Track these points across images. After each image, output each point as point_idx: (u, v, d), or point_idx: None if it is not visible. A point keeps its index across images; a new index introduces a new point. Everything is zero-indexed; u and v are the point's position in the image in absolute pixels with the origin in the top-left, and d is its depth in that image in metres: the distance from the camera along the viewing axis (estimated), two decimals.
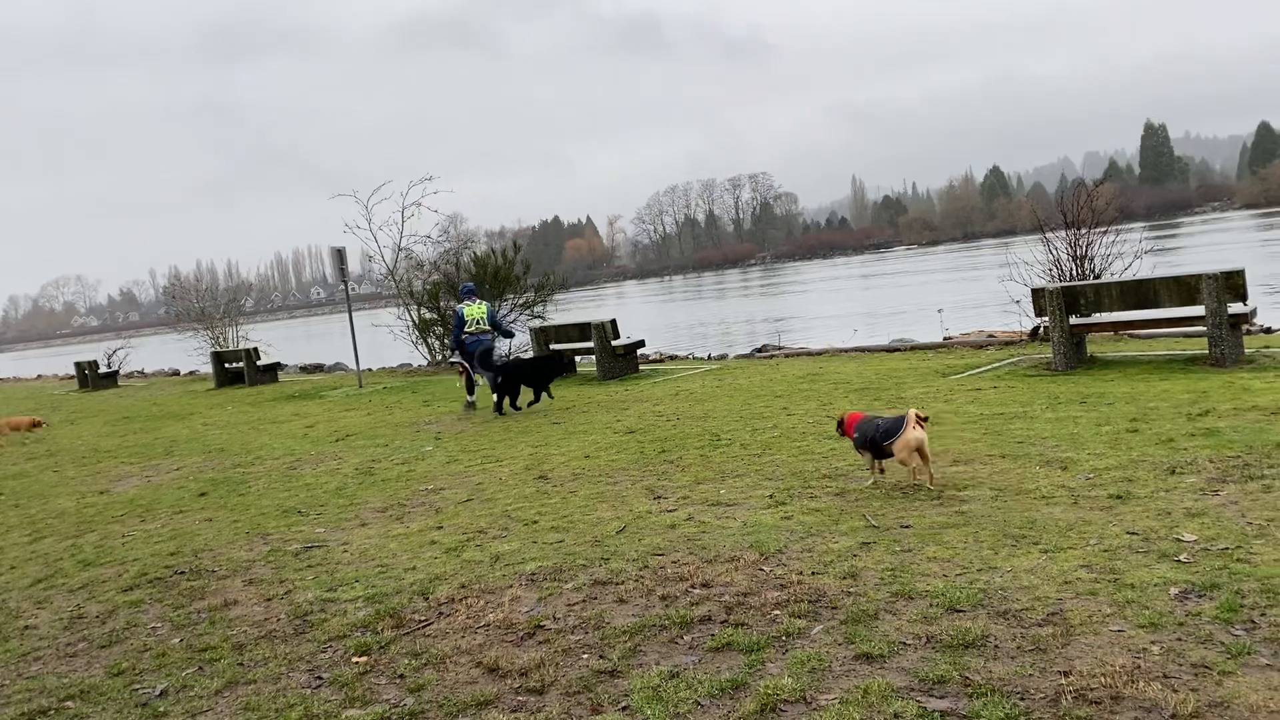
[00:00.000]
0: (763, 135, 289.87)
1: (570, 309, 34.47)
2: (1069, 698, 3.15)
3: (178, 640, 4.88)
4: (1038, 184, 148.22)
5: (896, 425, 6.06)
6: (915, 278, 54.19)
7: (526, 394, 12.59)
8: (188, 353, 31.88)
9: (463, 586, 5.12)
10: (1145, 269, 13.44)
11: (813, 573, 4.64)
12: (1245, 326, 10.04)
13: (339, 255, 19.96)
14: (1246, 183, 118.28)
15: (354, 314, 20.34)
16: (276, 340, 32.44)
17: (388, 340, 23.55)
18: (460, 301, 13.81)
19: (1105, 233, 14.77)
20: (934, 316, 23.09)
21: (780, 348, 19.54)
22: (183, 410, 18.79)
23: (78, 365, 31.32)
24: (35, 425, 16.46)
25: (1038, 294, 11.00)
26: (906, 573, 4.49)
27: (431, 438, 10.90)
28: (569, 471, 7.96)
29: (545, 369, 12.87)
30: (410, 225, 30.72)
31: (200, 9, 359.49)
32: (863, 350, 16.02)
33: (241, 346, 27.25)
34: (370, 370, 22.89)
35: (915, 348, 15.28)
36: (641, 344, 16.18)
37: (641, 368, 16.22)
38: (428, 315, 22.41)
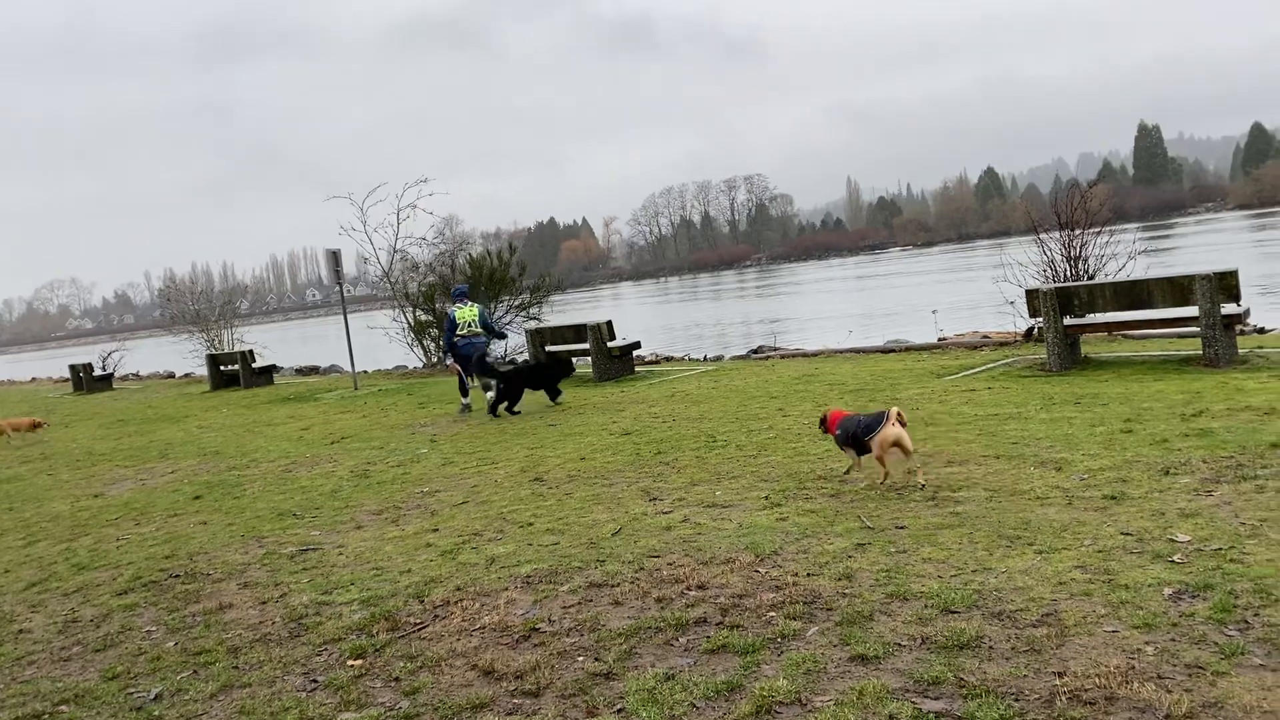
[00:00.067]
0: (758, 136, 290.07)
1: (566, 310, 34.47)
2: (1063, 698, 3.16)
3: (172, 644, 4.87)
4: (1032, 185, 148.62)
5: (877, 421, 6.19)
6: (910, 279, 54.26)
7: (531, 398, 12.61)
8: (183, 355, 31.84)
9: (458, 589, 5.12)
10: (1139, 270, 13.48)
11: (808, 574, 4.64)
12: (1239, 327, 10.07)
13: (334, 257, 19.94)
14: (1240, 183, 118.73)
15: (349, 316, 20.32)
16: (272, 342, 32.36)
17: (383, 342, 23.52)
18: (452, 304, 13.80)
19: (1099, 233, 14.81)
20: (929, 317, 23.13)
21: (776, 349, 19.56)
22: (178, 413, 18.76)
23: (72, 368, 31.25)
24: (35, 426, 16.43)
25: (1032, 295, 11.03)
26: (901, 574, 4.49)
27: (427, 440, 10.90)
28: (564, 474, 7.96)
29: (554, 371, 12.90)
30: (406, 227, 30.72)
31: (197, 10, 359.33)
32: (858, 351, 16.04)
33: (237, 349, 27.23)
34: (365, 372, 22.87)
35: (910, 349, 15.30)
36: (637, 345, 16.19)
37: (637, 369, 16.21)
38: (423, 317, 22.39)
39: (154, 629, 5.17)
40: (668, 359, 19.47)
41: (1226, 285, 9.64)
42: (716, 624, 4.16)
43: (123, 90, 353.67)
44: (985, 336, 15.60)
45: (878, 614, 4.05)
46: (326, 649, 4.50)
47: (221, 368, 24.72)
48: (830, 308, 39.61)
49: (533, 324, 20.14)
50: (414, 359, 23.50)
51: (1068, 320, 10.73)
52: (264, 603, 5.37)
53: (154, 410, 20.02)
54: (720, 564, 4.95)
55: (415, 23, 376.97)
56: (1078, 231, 14.71)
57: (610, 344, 15.31)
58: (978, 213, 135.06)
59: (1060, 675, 3.32)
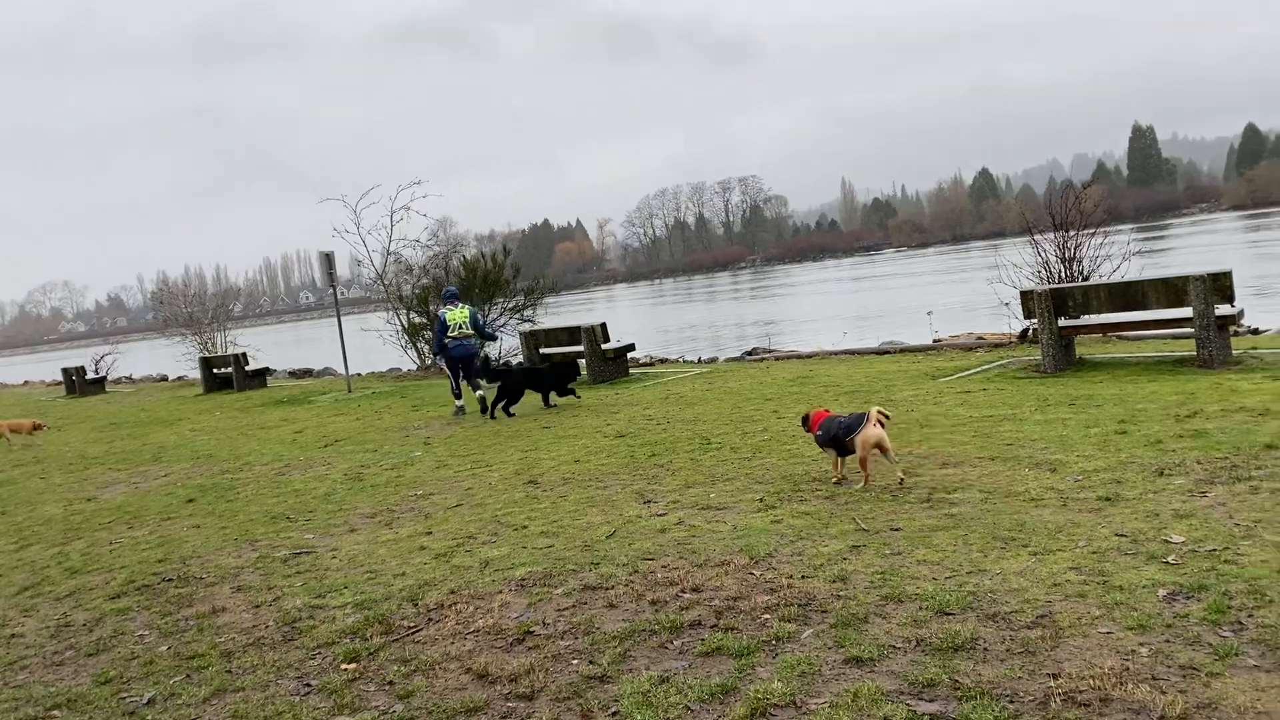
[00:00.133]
0: (753, 138, 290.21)
1: (560, 313, 34.44)
2: (1058, 700, 3.15)
3: (165, 648, 4.85)
4: (1026, 186, 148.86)
5: (858, 422, 6.26)
6: (905, 280, 54.38)
7: (527, 399, 12.60)
8: (176, 358, 31.79)
9: (452, 592, 5.10)
10: (1134, 271, 13.51)
11: (803, 576, 4.64)
12: (1233, 328, 10.09)
13: (328, 260, 19.89)
14: (1233, 184, 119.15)
15: (343, 318, 20.29)
16: (265, 345, 32.30)
17: (377, 345, 23.50)
18: (443, 306, 13.77)
19: (1093, 234, 14.84)
20: (923, 319, 23.17)
21: (770, 351, 19.57)
22: (171, 416, 18.71)
23: (65, 371, 31.17)
24: (36, 428, 16.40)
25: (1026, 296, 11.04)
26: (896, 576, 4.49)
27: (421, 443, 10.88)
28: (559, 476, 7.95)
29: (559, 374, 12.88)
30: (399, 229, 30.78)
31: (190, 13, 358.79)
32: (852, 353, 16.06)
33: (230, 352, 27.16)
34: (359, 375, 22.85)
35: (905, 350, 15.32)
36: (631, 347, 16.19)
37: (632, 371, 16.21)
38: (417, 320, 22.36)
39: (147, 633, 5.15)
40: (662, 361, 19.47)
41: (1221, 286, 9.66)
42: (711, 626, 4.16)
43: (116, 92, 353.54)
44: (980, 338, 15.63)
45: (872, 616, 4.05)
46: (320, 653, 4.48)
47: (215, 371, 24.67)
48: (825, 309, 39.66)
49: (527, 326, 20.14)
50: (408, 362, 23.48)
51: (1062, 321, 10.75)
52: (257, 606, 5.35)
53: (147, 413, 19.97)
54: (715, 566, 4.95)
55: (407, 25, 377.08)
56: (1072, 233, 14.75)
57: (604, 346, 15.30)
58: (972, 214, 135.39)
59: (1055, 677, 3.32)
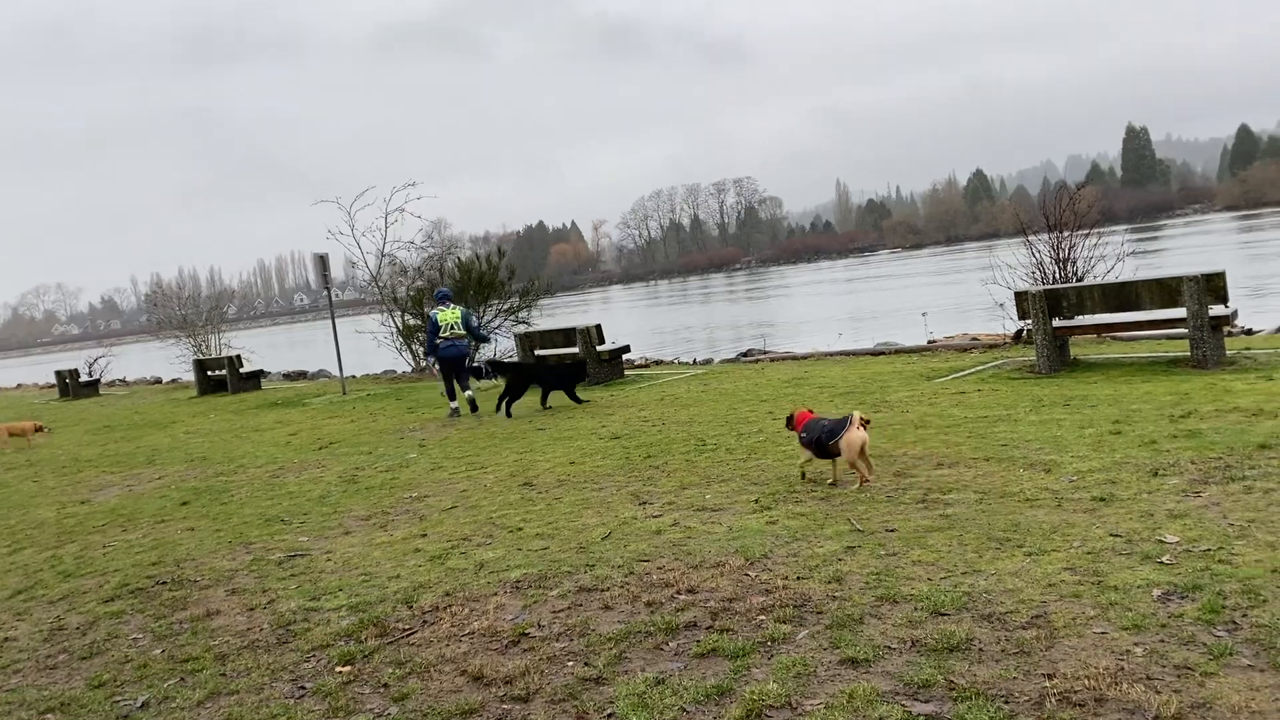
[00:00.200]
0: (747, 139, 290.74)
1: (555, 314, 34.42)
2: (1053, 700, 3.16)
3: (159, 651, 4.83)
4: (1021, 187, 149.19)
5: (840, 426, 6.34)
6: (899, 281, 54.44)
7: (523, 400, 12.59)
8: (170, 361, 31.67)
9: (447, 594, 5.10)
10: (1127, 271, 13.53)
11: (798, 577, 4.64)
12: (1226, 328, 10.10)
13: (322, 261, 19.89)
14: (1227, 185, 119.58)
15: (337, 320, 20.27)
16: (259, 347, 32.26)
17: (371, 347, 23.47)
18: (435, 306, 13.75)
19: (1088, 235, 14.88)
20: (918, 320, 23.21)
21: (765, 352, 19.58)
22: (165, 419, 18.67)
23: (58, 374, 31.09)
24: (38, 430, 16.38)
25: (1021, 297, 11.05)
26: (891, 577, 4.49)
27: (416, 445, 10.86)
28: (554, 478, 7.95)
29: (570, 373, 12.86)
30: (394, 231, 30.66)
31: (184, 14, 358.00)
32: (847, 354, 16.07)
33: (224, 354, 27.11)
34: (354, 377, 22.82)
35: (900, 351, 15.34)
36: (627, 349, 16.20)
37: (627, 373, 16.21)
38: (412, 321, 22.34)
39: (141, 636, 5.13)
40: (657, 362, 19.47)
41: (1214, 287, 9.68)
42: (706, 628, 4.15)
43: (108, 94, 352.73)
44: (975, 339, 15.64)
45: (868, 617, 4.05)
46: (315, 655, 4.47)
47: (209, 373, 24.61)
48: (820, 310, 39.70)
49: (522, 328, 20.12)
50: (403, 363, 23.45)
51: (1057, 322, 10.76)
52: (252, 609, 5.34)
53: (141, 416, 19.92)
54: (710, 568, 4.95)
55: (402, 27, 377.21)
56: (1066, 233, 14.77)
57: (599, 348, 15.30)
58: (967, 215, 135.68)
59: (1050, 677, 3.32)
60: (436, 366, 13.66)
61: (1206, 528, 4.68)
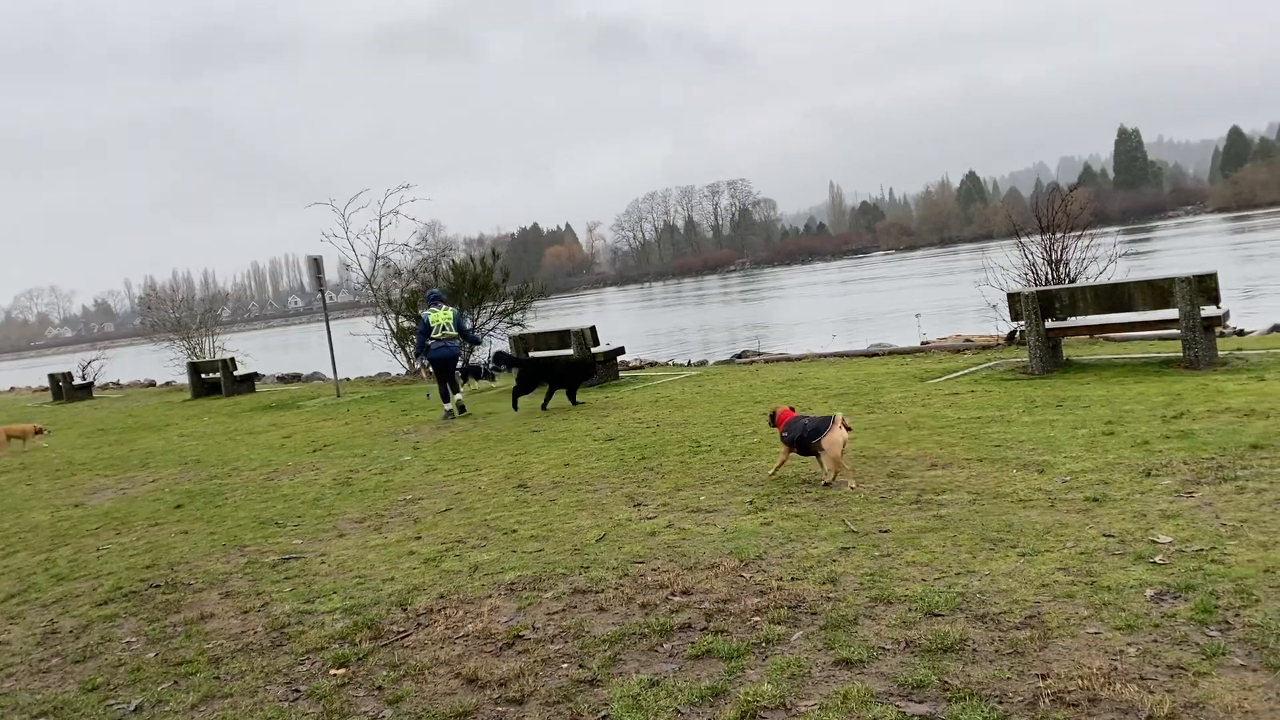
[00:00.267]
0: (741, 141, 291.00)
1: (550, 316, 34.38)
2: (1047, 700, 3.17)
3: (153, 655, 4.82)
4: (1013, 189, 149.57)
5: (823, 425, 6.42)
6: (893, 283, 54.54)
7: (524, 401, 12.60)
8: (164, 363, 31.59)
9: (441, 597, 5.09)
10: (1120, 273, 13.57)
11: (792, 579, 4.64)
12: (1218, 329, 10.15)
13: (316, 264, 19.87)
14: (1218, 186, 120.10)
15: (331, 323, 20.26)
16: (253, 350, 32.11)
17: (365, 349, 23.43)
18: (427, 307, 13.74)
19: (1080, 237, 14.90)
20: (911, 321, 23.25)
21: (760, 353, 19.60)
22: (159, 421, 18.62)
23: (51, 377, 30.97)
24: (37, 432, 16.33)
25: (1013, 298, 11.08)
26: (885, 577, 4.50)
27: (410, 447, 10.85)
28: (548, 480, 7.94)
29: (577, 372, 12.85)
30: (388, 233, 30.67)
31: (176, 18, 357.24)
32: (841, 355, 16.10)
33: (218, 357, 27.05)
34: (348, 379, 22.78)
35: (893, 352, 15.36)
36: (621, 351, 16.20)
37: (621, 374, 16.21)
38: (406, 324, 22.32)
39: (134, 640, 5.12)
40: (652, 364, 19.47)
41: (1206, 288, 9.72)
42: (701, 629, 4.16)
43: (102, 96, 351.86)
44: (968, 340, 15.68)
45: (862, 618, 4.06)
46: (309, 658, 4.47)
47: (203, 376, 24.57)
48: (814, 312, 39.74)
49: (516, 330, 20.11)
50: (397, 366, 23.41)
51: (1049, 323, 10.79)
52: (246, 612, 5.33)
53: (134, 419, 19.87)
54: (704, 569, 4.95)
55: (396, 30, 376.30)
56: (1059, 235, 14.80)
57: (594, 349, 15.30)
58: (960, 217, 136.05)
59: (1043, 677, 3.33)
60: (429, 368, 13.65)
61: (1199, 528, 4.69)
